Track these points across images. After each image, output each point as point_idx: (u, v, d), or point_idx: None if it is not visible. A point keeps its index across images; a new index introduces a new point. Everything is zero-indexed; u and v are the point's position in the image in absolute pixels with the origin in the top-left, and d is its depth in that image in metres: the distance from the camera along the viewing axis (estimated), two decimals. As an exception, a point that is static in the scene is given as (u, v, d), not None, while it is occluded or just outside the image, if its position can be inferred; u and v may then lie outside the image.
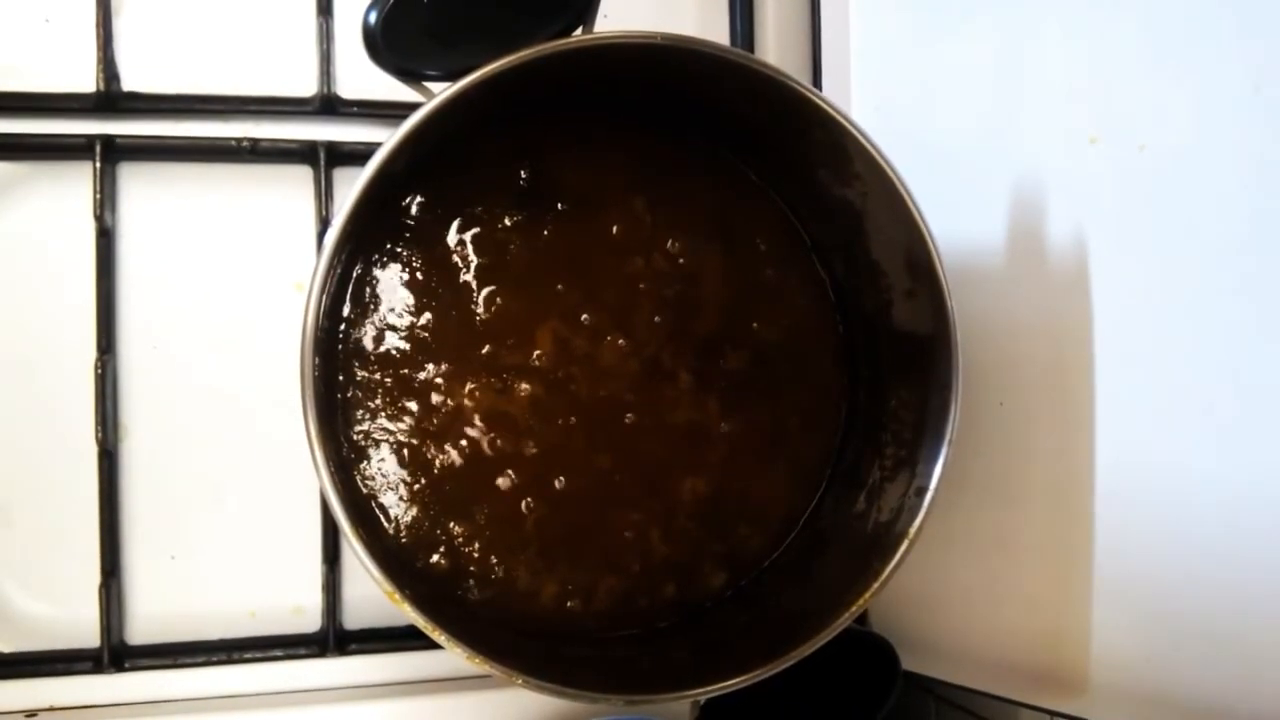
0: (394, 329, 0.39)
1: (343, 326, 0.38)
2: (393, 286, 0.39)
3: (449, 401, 0.39)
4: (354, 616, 0.47)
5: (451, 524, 0.39)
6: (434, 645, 0.33)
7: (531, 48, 0.33)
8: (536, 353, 0.40)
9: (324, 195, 0.46)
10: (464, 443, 0.39)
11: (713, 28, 0.52)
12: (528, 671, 0.33)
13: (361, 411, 0.38)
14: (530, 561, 0.39)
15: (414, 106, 0.33)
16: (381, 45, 0.34)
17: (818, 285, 0.44)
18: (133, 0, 0.46)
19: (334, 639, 0.46)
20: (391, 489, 0.38)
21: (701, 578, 0.42)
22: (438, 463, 0.39)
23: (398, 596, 0.32)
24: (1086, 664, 0.39)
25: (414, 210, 0.39)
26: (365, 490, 0.38)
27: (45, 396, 0.45)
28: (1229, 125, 0.34)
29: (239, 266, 0.47)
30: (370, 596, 0.46)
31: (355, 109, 0.47)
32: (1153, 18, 0.36)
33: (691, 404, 0.41)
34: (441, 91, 0.33)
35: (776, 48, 0.53)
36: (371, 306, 0.39)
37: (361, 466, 0.38)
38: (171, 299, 0.46)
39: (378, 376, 0.38)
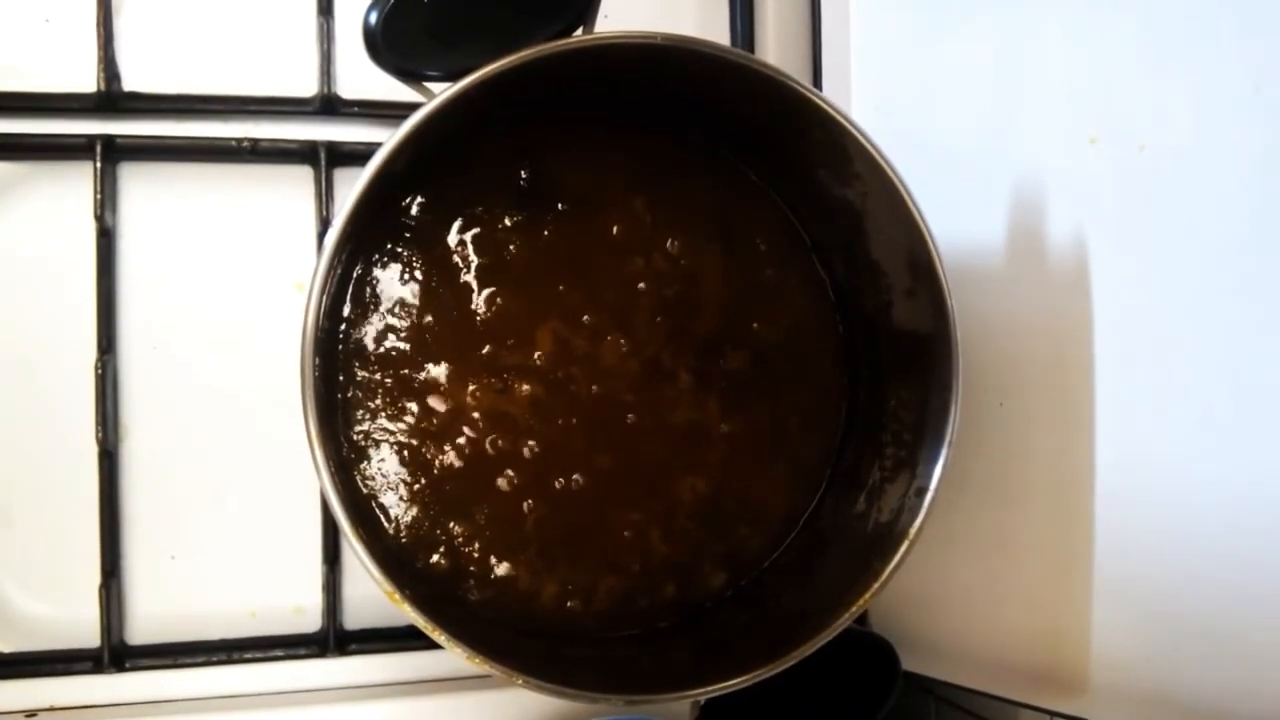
0: (394, 329, 0.39)
1: (343, 327, 0.38)
2: (393, 287, 0.39)
3: (449, 402, 0.39)
4: (354, 616, 0.47)
5: (452, 524, 0.39)
6: (434, 645, 0.33)
7: (532, 48, 0.33)
8: (537, 353, 0.40)
9: (324, 195, 0.46)
10: (464, 443, 0.39)
11: (713, 28, 0.52)
12: (528, 671, 0.33)
13: (362, 412, 0.38)
14: (530, 561, 0.39)
15: (414, 107, 0.33)
16: (382, 45, 0.34)
17: (818, 285, 0.44)
18: (133, 0, 0.46)
19: (334, 639, 0.46)
20: (391, 489, 0.38)
21: (701, 578, 0.42)
22: (438, 463, 0.39)
23: (398, 596, 0.32)
24: (1086, 664, 0.39)
25: (414, 210, 0.39)
26: (365, 490, 0.38)
27: (45, 396, 0.45)
28: (1229, 125, 0.34)
29: (239, 266, 0.47)
30: (370, 596, 0.46)
31: (355, 109, 0.47)
32: (1153, 18, 0.36)
33: (691, 404, 0.41)
34: (442, 92, 0.33)
35: (776, 48, 0.53)
36: (372, 306, 0.39)
37: (361, 466, 0.38)
38: (172, 299, 0.46)
39: (378, 377, 0.38)
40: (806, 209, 0.43)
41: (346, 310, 0.38)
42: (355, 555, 0.33)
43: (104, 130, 0.45)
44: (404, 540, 0.38)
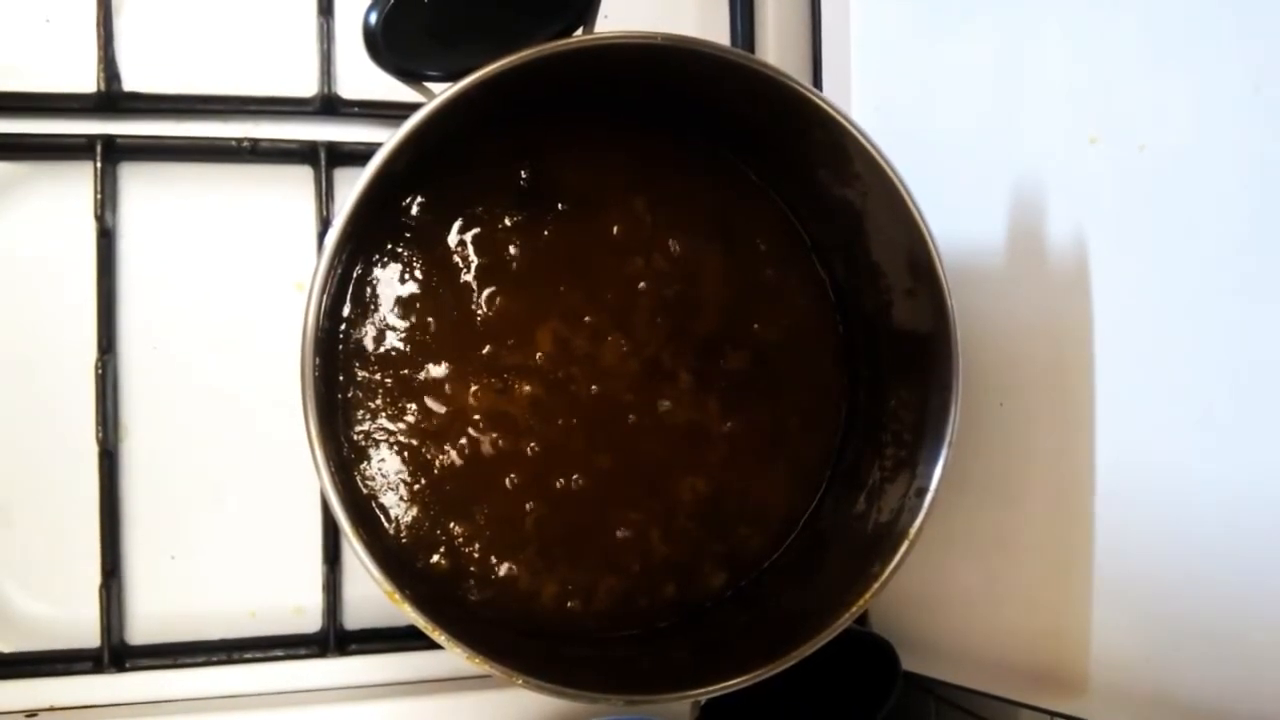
0: (394, 329, 0.39)
1: (343, 327, 0.38)
2: (393, 287, 0.39)
3: (449, 402, 0.39)
4: (354, 616, 0.47)
5: (452, 524, 0.39)
6: (434, 645, 0.33)
7: (532, 48, 0.33)
8: (537, 353, 0.40)
9: (324, 195, 0.46)
10: (464, 443, 0.39)
11: (713, 28, 0.52)
12: (528, 671, 0.33)
13: (362, 412, 0.38)
14: (530, 561, 0.39)
15: (414, 107, 0.34)
16: (382, 45, 0.34)
17: (818, 285, 0.44)
18: (133, 0, 0.46)
19: (334, 639, 0.46)
20: (392, 489, 0.38)
21: (701, 578, 0.42)
22: (438, 463, 0.39)
23: (398, 596, 0.32)
24: (1086, 664, 0.39)
25: (414, 210, 0.39)
26: (365, 490, 0.38)
27: (45, 396, 0.45)
28: (1229, 125, 0.34)
29: (239, 267, 0.47)
30: (371, 596, 0.46)
31: (356, 109, 0.47)
32: (1153, 18, 0.36)
33: (691, 404, 0.41)
34: (442, 92, 0.33)
35: (777, 48, 0.53)
36: (372, 307, 0.39)
37: (361, 467, 0.38)
38: (172, 299, 0.46)
39: (378, 377, 0.38)
40: (806, 209, 0.43)
41: (346, 310, 0.38)
42: (355, 555, 0.33)
43: (104, 130, 0.45)
44: (404, 540, 0.38)
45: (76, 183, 0.45)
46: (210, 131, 0.46)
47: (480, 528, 0.39)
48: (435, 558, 0.39)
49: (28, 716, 0.43)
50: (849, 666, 0.42)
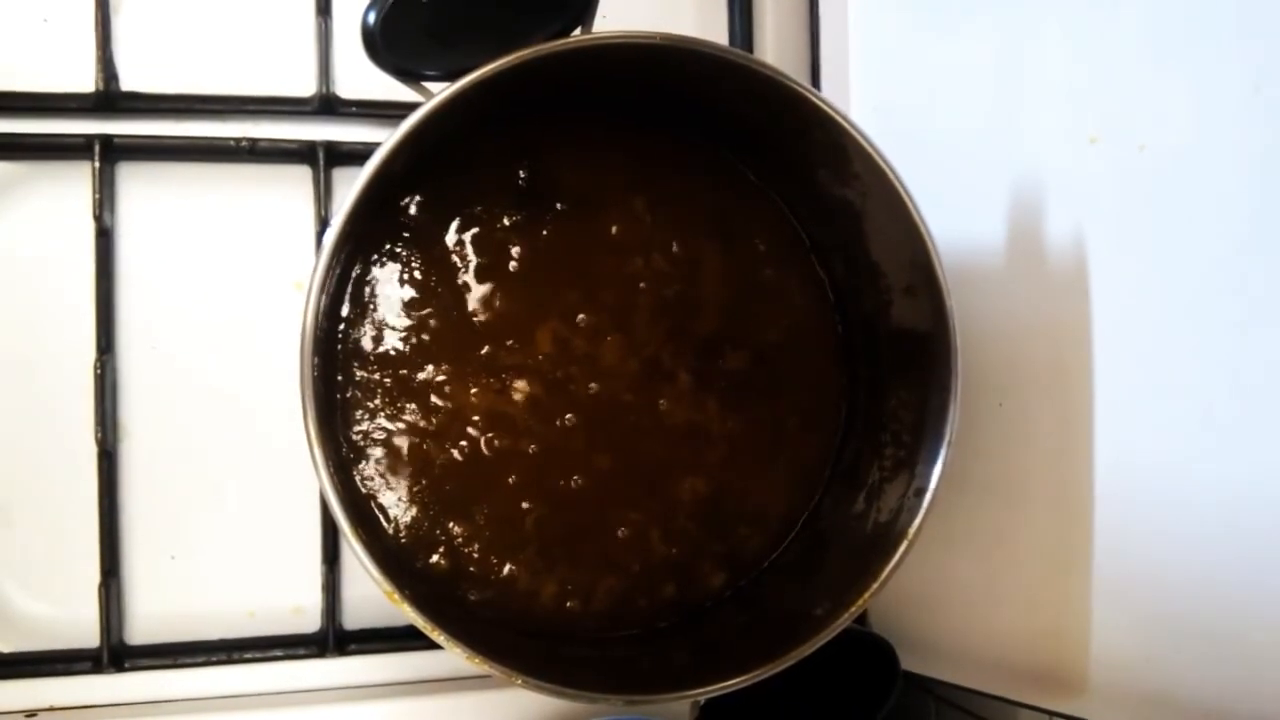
0: (393, 329, 0.39)
1: (342, 326, 0.38)
2: (392, 286, 0.39)
3: (448, 402, 0.39)
4: (353, 617, 0.47)
5: (451, 524, 0.39)
6: (434, 645, 0.33)
7: (530, 48, 0.33)
8: (536, 353, 0.40)
9: (323, 195, 0.46)
10: (463, 443, 0.39)
11: (711, 28, 0.52)
12: (527, 671, 0.33)
13: (361, 412, 0.38)
14: (530, 561, 0.39)
15: (413, 106, 0.33)
16: (380, 45, 0.34)
17: (817, 285, 0.44)
18: (131, 0, 0.46)
19: (333, 639, 0.46)
20: (391, 489, 0.38)
21: (701, 578, 0.42)
22: (437, 463, 0.39)
23: (397, 596, 0.32)
24: (1086, 664, 0.39)
25: (413, 210, 0.39)
26: (365, 490, 0.38)
27: (45, 397, 0.45)
28: (1229, 125, 0.34)
29: (238, 266, 0.47)
30: (370, 596, 0.46)
31: (354, 109, 0.47)
32: (1153, 18, 0.36)
33: (691, 404, 0.41)
34: (440, 91, 0.33)
35: (775, 48, 0.53)
36: (371, 306, 0.39)
37: (361, 467, 0.38)
38: (171, 299, 0.46)
39: (377, 377, 0.38)
40: (806, 209, 0.43)
41: (345, 310, 0.38)
42: (354, 555, 0.33)
43: (102, 130, 0.44)
44: (403, 540, 0.38)
45: (75, 182, 0.44)
46: (209, 131, 0.46)
47: (480, 528, 0.39)
48: (435, 558, 0.39)
49: (27, 716, 0.43)
50: (848, 666, 0.42)
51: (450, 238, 0.39)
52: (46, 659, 0.44)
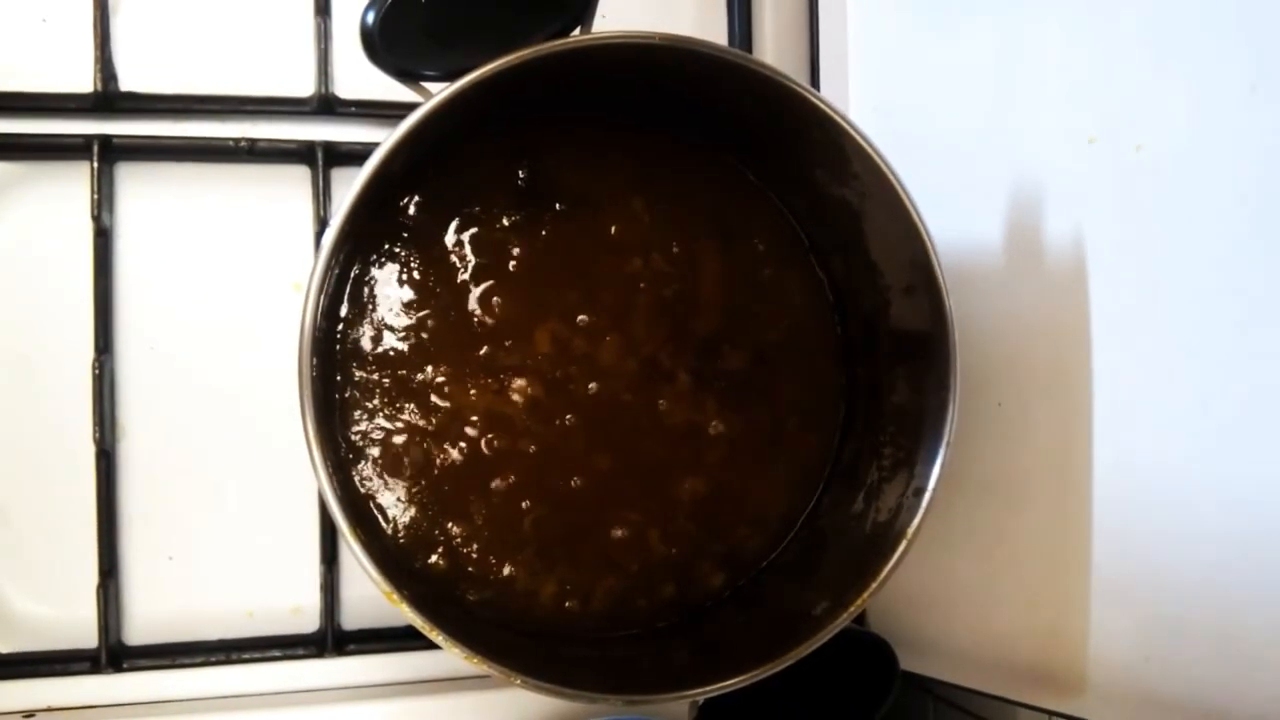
0: (392, 329, 0.39)
1: (340, 327, 0.38)
2: (391, 287, 0.39)
3: (447, 402, 0.39)
4: (352, 617, 0.47)
5: (450, 524, 0.39)
6: (432, 645, 0.33)
7: (529, 48, 0.33)
8: (535, 353, 0.40)
9: (322, 195, 0.46)
10: (462, 443, 0.39)
11: (711, 28, 0.52)
12: (526, 672, 0.33)
13: (359, 412, 0.38)
14: (529, 562, 0.39)
15: (412, 107, 0.33)
16: (379, 45, 0.34)
17: (816, 285, 0.44)
18: (130, 0, 0.46)
19: (332, 639, 0.46)
20: (389, 489, 0.38)
21: (700, 578, 0.42)
22: (436, 463, 0.39)
23: (396, 597, 0.32)
24: (1085, 664, 0.39)
25: (412, 210, 0.39)
26: (363, 491, 0.38)
27: (43, 396, 0.45)
28: (1227, 125, 0.34)
29: (237, 267, 0.47)
30: (368, 597, 0.46)
31: (353, 109, 0.47)
32: (1152, 18, 0.36)
33: (690, 404, 0.41)
34: (439, 92, 0.33)
35: (774, 48, 0.53)
36: (369, 307, 0.39)
37: (359, 467, 0.38)
38: (169, 299, 0.46)
39: (376, 377, 0.38)
40: (805, 209, 0.43)
41: (344, 310, 0.38)
42: (353, 555, 0.33)
43: (101, 130, 0.44)
44: (402, 540, 0.38)
45: (73, 183, 0.44)
46: (207, 131, 0.46)
47: (478, 528, 0.39)
48: (433, 558, 0.39)
49: (25, 717, 0.43)
50: (847, 666, 0.42)
51: (449, 238, 0.39)
52: (45, 659, 0.44)
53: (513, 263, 0.40)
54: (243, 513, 0.46)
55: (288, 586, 0.46)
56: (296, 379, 0.33)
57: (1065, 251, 0.40)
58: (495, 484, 0.39)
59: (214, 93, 0.46)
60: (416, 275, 0.39)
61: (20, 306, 0.45)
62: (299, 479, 0.46)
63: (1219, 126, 0.35)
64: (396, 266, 0.39)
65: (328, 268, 0.35)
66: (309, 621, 0.46)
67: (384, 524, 0.38)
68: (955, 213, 0.42)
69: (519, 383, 0.40)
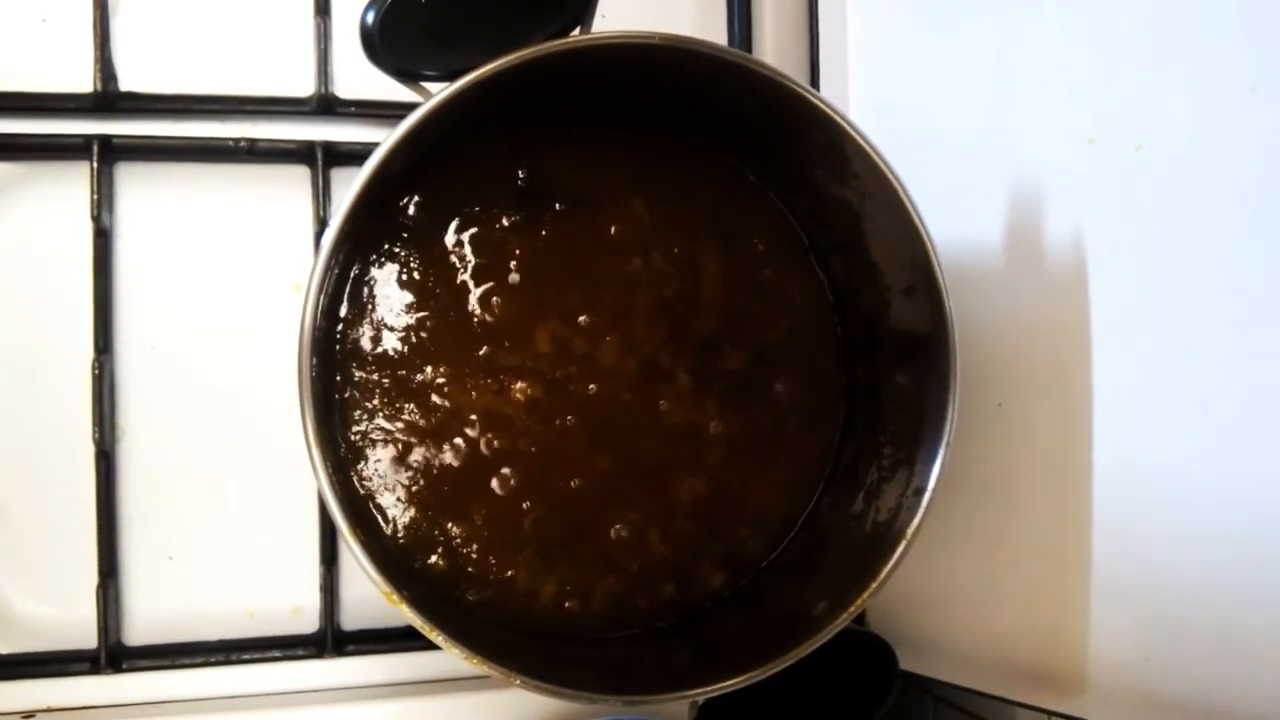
0: (391, 329, 0.39)
1: (340, 327, 0.38)
2: (390, 287, 0.39)
3: (447, 402, 0.39)
4: (352, 617, 0.47)
5: (449, 524, 0.39)
6: (432, 646, 0.33)
7: (529, 48, 0.33)
8: (535, 353, 0.40)
9: (321, 195, 0.46)
10: (462, 443, 0.39)
11: (710, 28, 0.52)
12: (526, 672, 0.33)
13: (359, 412, 0.38)
14: (529, 562, 0.39)
15: (412, 107, 0.33)
16: (379, 45, 0.34)
17: (816, 285, 0.44)
18: (130, 0, 0.46)
19: (332, 640, 0.46)
20: (389, 490, 0.38)
21: (700, 578, 0.42)
22: (436, 463, 0.39)
23: (395, 597, 0.32)
24: (1084, 664, 0.39)
25: (411, 210, 0.39)
26: (363, 491, 0.38)
27: (43, 397, 0.45)
28: (1227, 125, 0.34)
29: (236, 267, 0.47)
30: (368, 597, 0.46)
31: (353, 109, 0.47)
32: (1152, 18, 0.36)
33: (690, 404, 0.41)
34: (439, 92, 0.33)
35: (774, 48, 0.53)
36: (369, 307, 0.39)
37: (359, 467, 0.38)
38: (169, 299, 0.46)
39: (375, 377, 0.38)
40: (805, 209, 0.43)
41: (344, 310, 0.38)
42: (353, 556, 0.33)
43: (100, 130, 0.44)
44: (402, 541, 0.38)
45: (73, 183, 0.44)
46: (207, 131, 0.46)
47: (478, 528, 0.39)
48: (433, 558, 0.38)
49: (25, 717, 0.43)
50: (847, 666, 0.42)
51: (449, 238, 0.39)
52: (44, 660, 0.44)
53: (513, 263, 0.40)
54: (243, 513, 0.46)
55: (288, 587, 0.46)
56: (296, 379, 0.33)
57: (1065, 251, 0.40)
58: (495, 484, 0.39)
59: (214, 93, 0.46)
60: (416, 275, 0.39)
61: (20, 306, 0.45)
62: (299, 479, 0.46)
63: (1219, 126, 0.35)
64: (396, 266, 0.39)
65: (327, 268, 0.35)
66: (309, 622, 0.46)
67: (384, 524, 0.38)
68: (955, 213, 0.42)
69: (519, 383, 0.39)
